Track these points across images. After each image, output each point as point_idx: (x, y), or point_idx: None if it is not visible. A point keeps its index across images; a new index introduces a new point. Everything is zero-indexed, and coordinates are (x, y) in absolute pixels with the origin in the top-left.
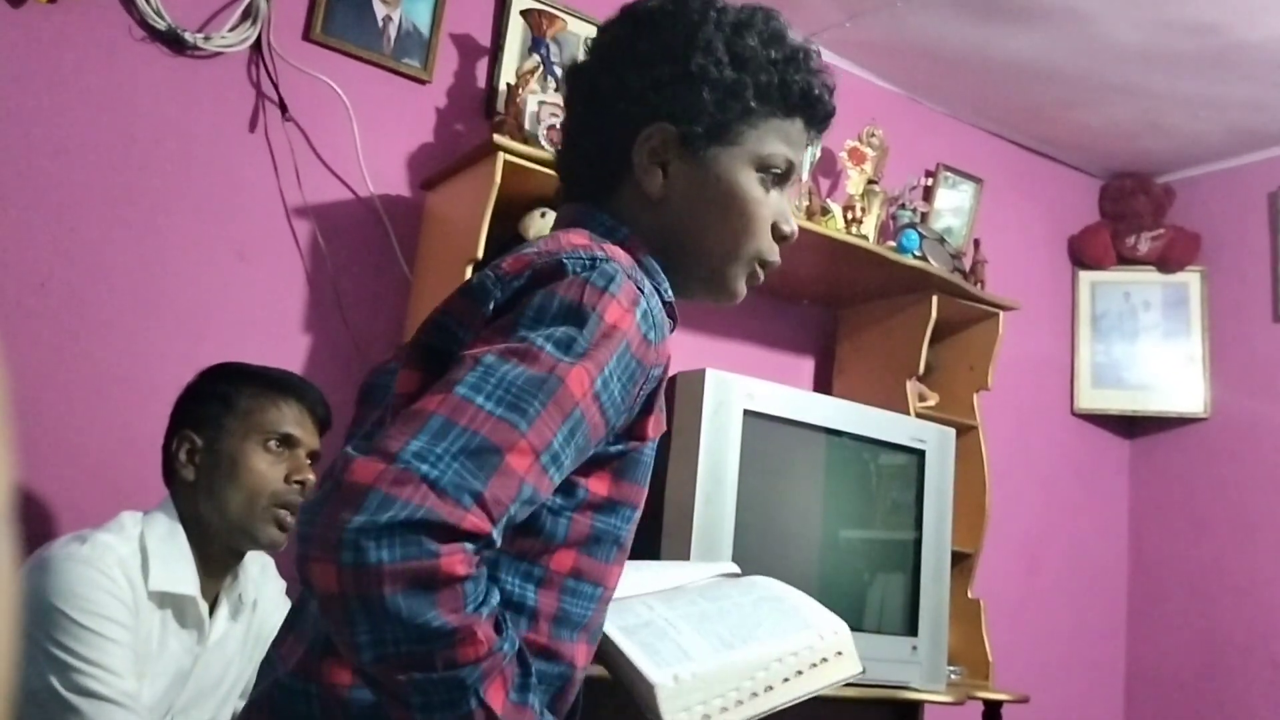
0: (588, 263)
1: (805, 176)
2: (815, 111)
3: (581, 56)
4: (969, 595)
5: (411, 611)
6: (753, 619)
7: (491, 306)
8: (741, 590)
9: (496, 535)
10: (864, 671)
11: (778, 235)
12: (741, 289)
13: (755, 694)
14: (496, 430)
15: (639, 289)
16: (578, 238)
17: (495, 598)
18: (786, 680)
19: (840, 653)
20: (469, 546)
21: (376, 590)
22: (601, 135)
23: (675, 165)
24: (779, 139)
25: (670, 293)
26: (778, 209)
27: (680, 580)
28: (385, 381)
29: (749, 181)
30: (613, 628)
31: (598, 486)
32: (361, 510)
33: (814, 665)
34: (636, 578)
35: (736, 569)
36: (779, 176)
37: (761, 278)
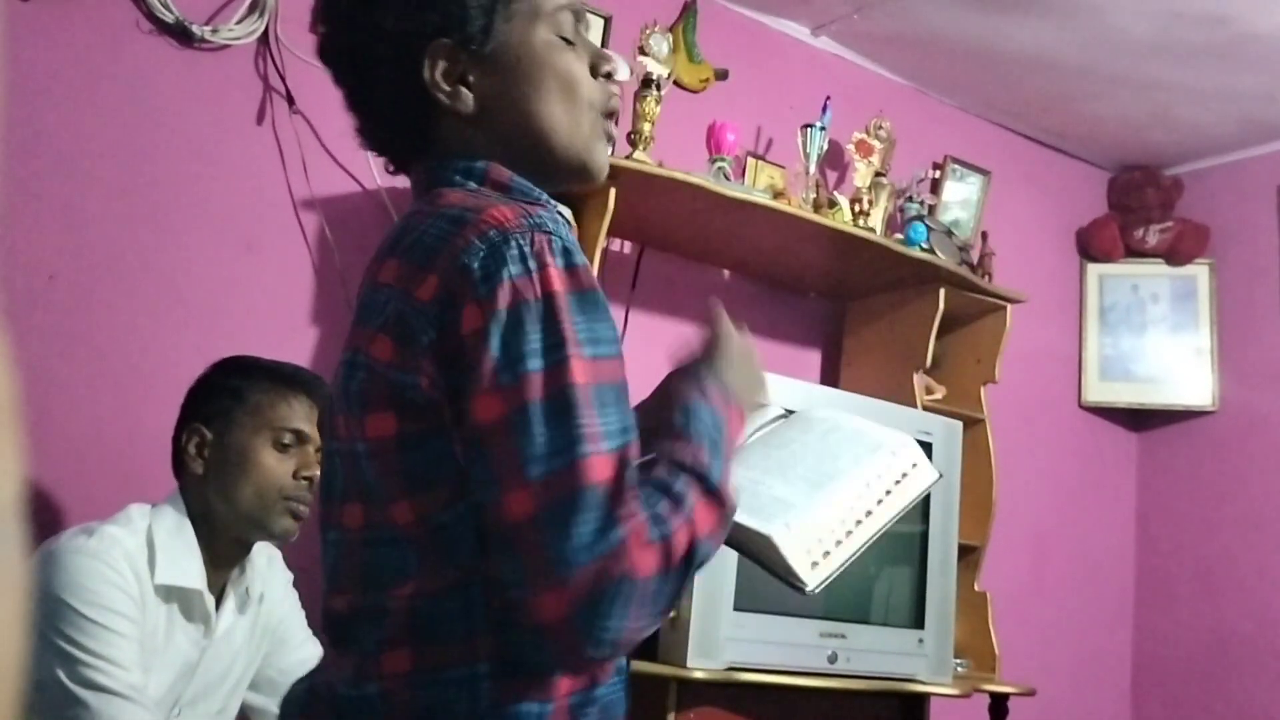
0: (488, 254)
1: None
2: None
3: (317, 36)
4: (975, 588)
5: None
6: (828, 454)
7: (427, 341)
8: (803, 429)
9: (628, 499)
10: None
11: (608, 76)
12: (601, 157)
13: (859, 521)
14: (576, 476)
15: (534, 231)
16: (453, 196)
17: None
18: (880, 502)
19: (916, 464)
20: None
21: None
22: (388, 90)
23: (472, 74)
24: None
25: (549, 199)
26: (591, 55)
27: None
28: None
29: (546, 48)
30: None
31: None
32: (595, 625)
33: (897, 482)
34: None
35: (784, 411)
36: (568, 37)
37: (613, 133)
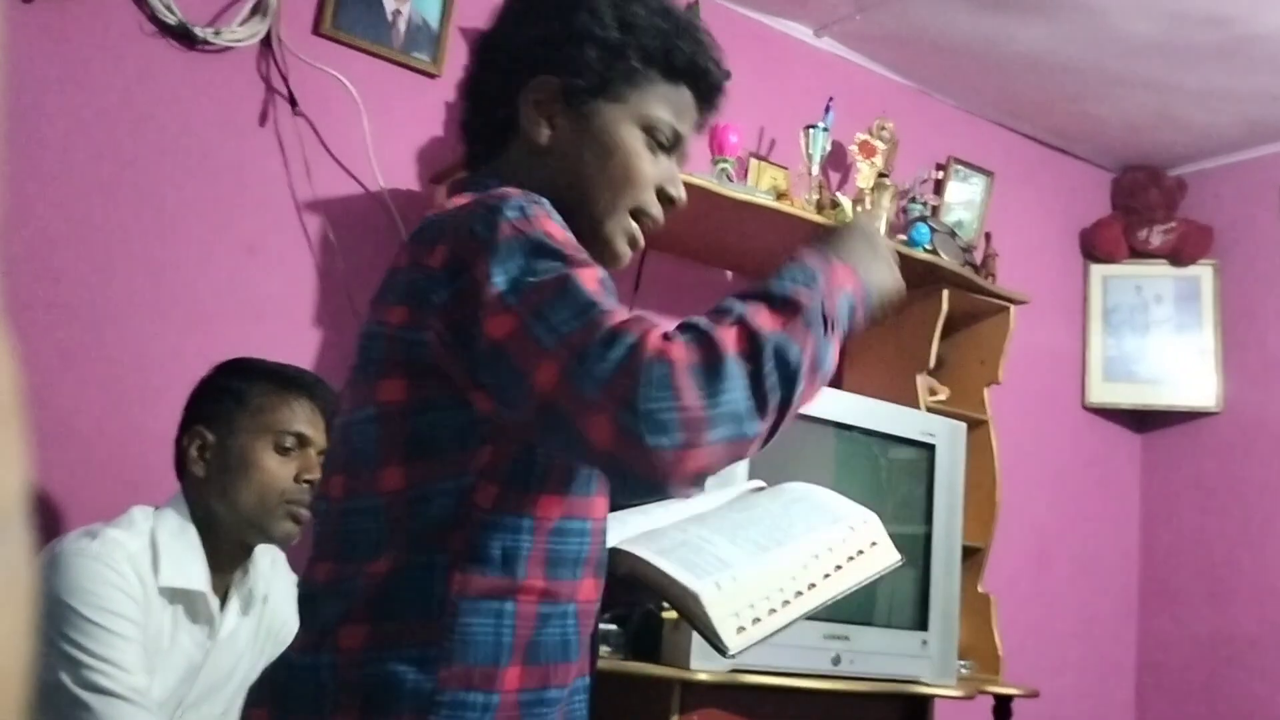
0: (489, 211)
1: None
2: (702, 82)
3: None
4: (979, 590)
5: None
6: (784, 521)
7: (438, 301)
8: (769, 497)
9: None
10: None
11: (664, 199)
12: (621, 247)
13: (799, 592)
14: (589, 328)
15: (534, 203)
16: (459, 198)
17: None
18: (828, 576)
19: (875, 543)
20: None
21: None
22: (493, 90)
23: (560, 119)
24: (664, 104)
25: None
26: (665, 172)
27: (710, 505)
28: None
29: (632, 136)
30: (648, 552)
31: None
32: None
33: (851, 558)
34: (664, 513)
35: (763, 484)
36: (666, 143)
37: (641, 239)
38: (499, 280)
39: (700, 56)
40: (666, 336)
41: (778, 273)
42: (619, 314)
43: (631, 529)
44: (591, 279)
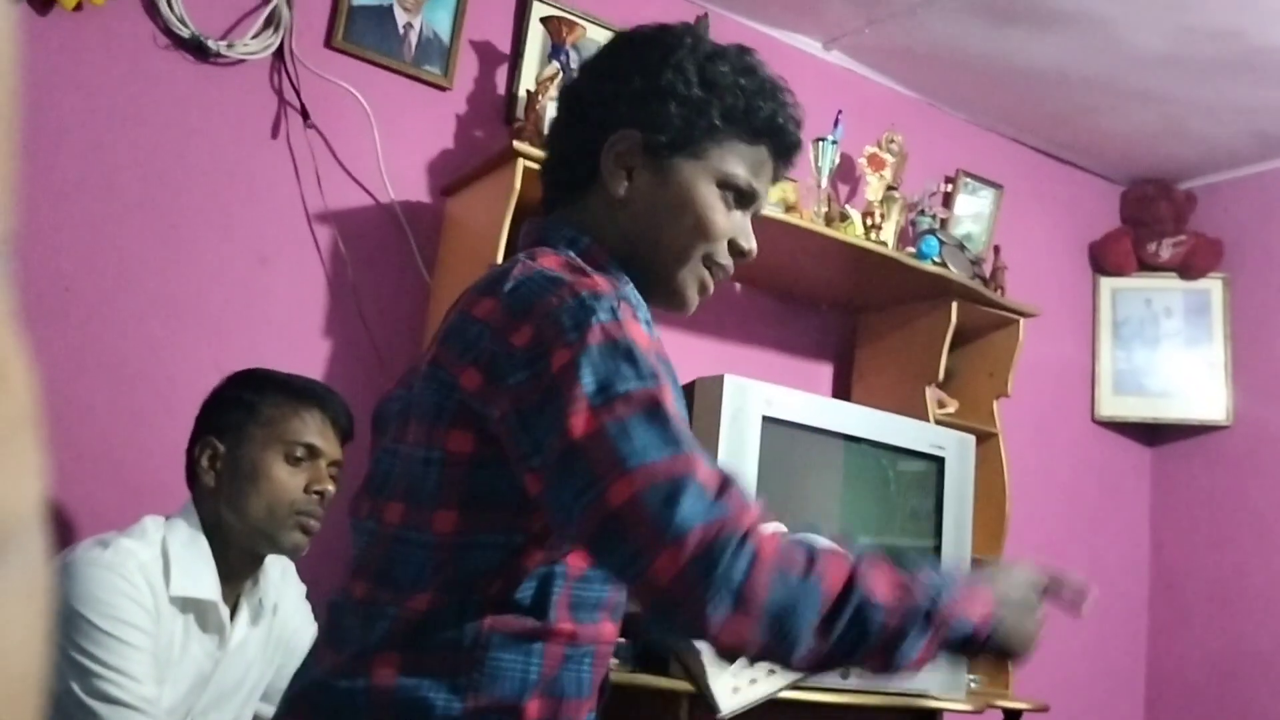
0: (579, 307)
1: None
2: (780, 140)
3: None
4: None
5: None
6: None
7: (514, 382)
8: None
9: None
10: None
11: (736, 251)
12: (691, 295)
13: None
14: (677, 465)
15: (621, 299)
16: (555, 260)
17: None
18: None
19: None
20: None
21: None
22: (576, 140)
23: (640, 171)
24: (742, 161)
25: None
26: (738, 226)
27: None
28: (392, 409)
29: (709, 192)
30: None
31: None
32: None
33: None
34: None
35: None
36: (741, 197)
37: (711, 287)
38: (587, 381)
39: (780, 116)
40: (752, 514)
41: (925, 563)
42: (699, 460)
43: None
44: (671, 402)
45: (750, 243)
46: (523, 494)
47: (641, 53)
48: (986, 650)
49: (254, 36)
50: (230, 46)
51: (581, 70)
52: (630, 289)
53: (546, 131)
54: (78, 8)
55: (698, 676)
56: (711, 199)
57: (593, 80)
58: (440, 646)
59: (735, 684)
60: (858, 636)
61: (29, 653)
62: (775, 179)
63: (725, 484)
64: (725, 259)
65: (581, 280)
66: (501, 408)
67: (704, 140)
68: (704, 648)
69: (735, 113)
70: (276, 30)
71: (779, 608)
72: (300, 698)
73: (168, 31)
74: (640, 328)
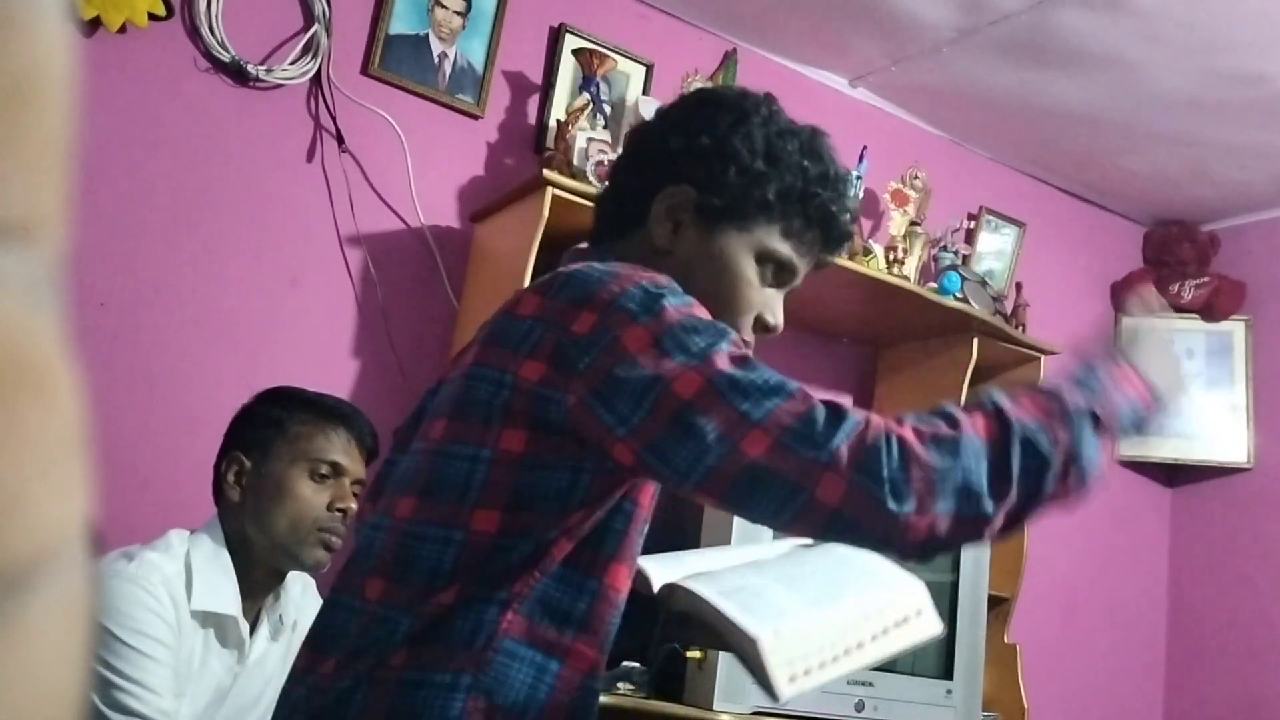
0: (645, 295)
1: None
2: (830, 229)
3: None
4: (1005, 640)
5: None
6: (837, 579)
7: (583, 367)
8: (821, 554)
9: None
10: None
11: (760, 325)
12: None
13: (848, 650)
14: (798, 402)
15: (682, 291)
16: (596, 264)
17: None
18: (875, 638)
19: (920, 611)
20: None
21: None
22: (634, 181)
23: (686, 228)
24: (787, 241)
25: None
26: (768, 301)
27: (764, 555)
28: (391, 470)
29: (747, 264)
30: (710, 591)
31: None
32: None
33: (897, 624)
34: (720, 556)
35: (810, 541)
36: (778, 274)
37: None
38: (672, 347)
39: (835, 205)
40: (899, 420)
41: (1044, 383)
42: (808, 394)
43: (687, 567)
44: (759, 361)
45: (777, 319)
46: (565, 494)
47: (715, 114)
48: (1154, 417)
49: (292, 62)
50: (269, 72)
51: (658, 114)
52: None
53: (611, 164)
54: (122, 30)
55: (754, 662)
56: (749, 273)
57: (664, 128)
58: (452, 639)
59: (793, 671)
60: (1038, 465)
61: (71, 675)
62: (818, 266)
63: (838, 404)
64: (749, 334)
65: (640, 273)
66: (576, 393)
67: (756, 212)
68: (762, 634)
69: (791, 192)
70: (314, 57)
71: (952, 472)
72: (296, 710)
73: (208, 55)
74: (702, 309)
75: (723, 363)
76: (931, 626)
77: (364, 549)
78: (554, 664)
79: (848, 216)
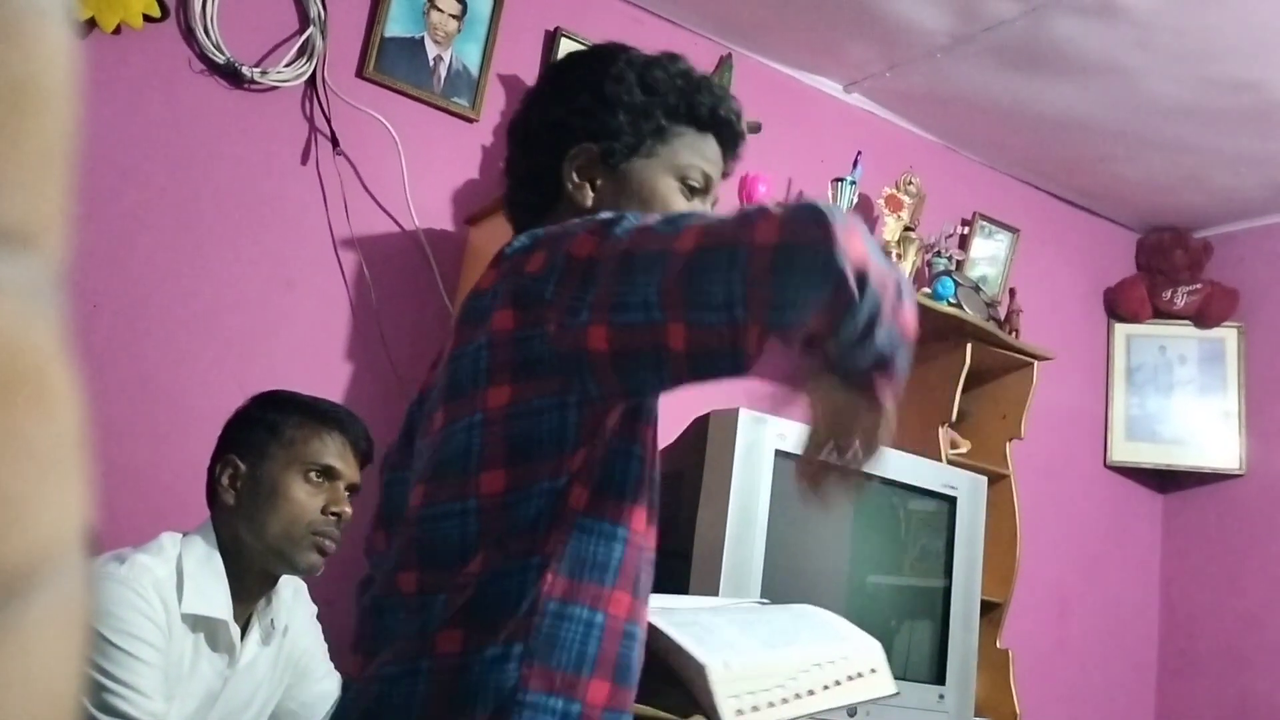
0: (600, 220)
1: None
2: (725, 129)
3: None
4: (998, 645)
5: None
6: (792, 628)
7: (549, 294)
8: (778, 609)
9: None
10: (899, 694)
11: None
12: None
13: (798, 695)
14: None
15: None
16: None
17: None
18: (826, 688)
19: (875, 670)
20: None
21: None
22: (535, 165)
23: (601, 180)
24: (692, 152)
25: None
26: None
27: (721, 605)
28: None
29: (668, 187)
30: (662, 620)
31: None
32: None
33: (850, 678)
34: (682, 600)
35: (767, 600)
36: (698, 186)
37: None
38: (615, 232)
39: (720, 106)
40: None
41: None
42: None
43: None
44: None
45: None
46: (560, 433)
47: (582, 72)
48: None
49: (287, 64)
50: (264, 74)
51: (526, 103)
52: None
53: (504, 166)
54: (116, 31)
55: (702, 692)
56: (671, 190)
57: (540, 106)
58: (498, 611)
59: (740, 705)
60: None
61: (66, 684)
62: (725, 169)
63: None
64: None
65: (589, 215)
66: (554, 319)
67: (654, 140)
68: (710, 663)
69: (678, 110)
70: (310, 59)
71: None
72: (351, 707)
73: (203, 57)
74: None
75: (660, 221)
76: (885, 686)
77: (381, 558)
78: (599, 616)
79: (733, 112)
